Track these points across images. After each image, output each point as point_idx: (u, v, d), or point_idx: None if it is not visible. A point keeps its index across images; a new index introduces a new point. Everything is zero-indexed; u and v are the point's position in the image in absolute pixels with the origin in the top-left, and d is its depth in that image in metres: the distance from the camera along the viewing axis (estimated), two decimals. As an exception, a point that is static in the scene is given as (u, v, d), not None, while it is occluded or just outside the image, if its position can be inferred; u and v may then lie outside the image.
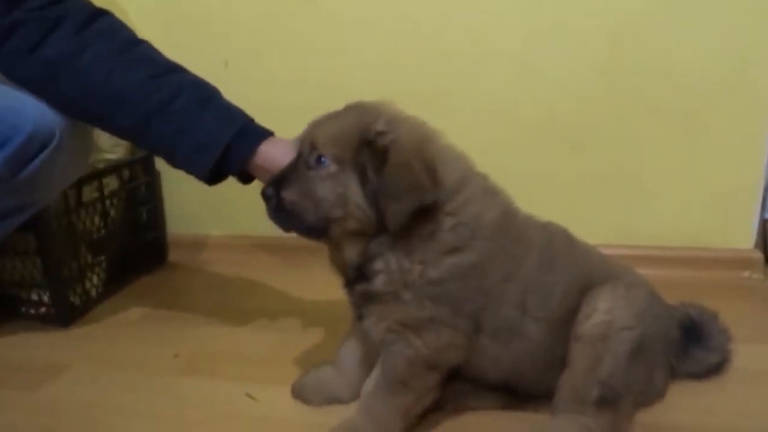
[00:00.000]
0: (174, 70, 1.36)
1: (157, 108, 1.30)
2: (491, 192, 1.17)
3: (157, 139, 1.34)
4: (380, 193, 1.04)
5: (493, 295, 1.13)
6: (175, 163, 1.37)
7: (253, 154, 1.31)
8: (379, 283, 1.11)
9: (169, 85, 1.32)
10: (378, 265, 1.11)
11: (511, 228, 1.15)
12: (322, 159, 1.08)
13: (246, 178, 1.37)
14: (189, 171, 1.35)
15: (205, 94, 1.35)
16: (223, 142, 1.30)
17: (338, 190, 1.07)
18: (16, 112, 1.32)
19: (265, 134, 1.34)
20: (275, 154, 1.28)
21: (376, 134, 1.06)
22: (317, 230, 1.11)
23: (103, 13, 1.37)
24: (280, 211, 1.11)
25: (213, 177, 1.35)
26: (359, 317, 1.19)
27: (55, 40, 1.29)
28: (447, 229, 1.09)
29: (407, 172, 1.04)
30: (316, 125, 1.14)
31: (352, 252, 1.13)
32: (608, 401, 1.13)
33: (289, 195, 1.10)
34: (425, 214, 1.07)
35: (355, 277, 1.15)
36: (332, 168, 1.07)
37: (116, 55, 1.32)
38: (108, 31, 1.35)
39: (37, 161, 1.36)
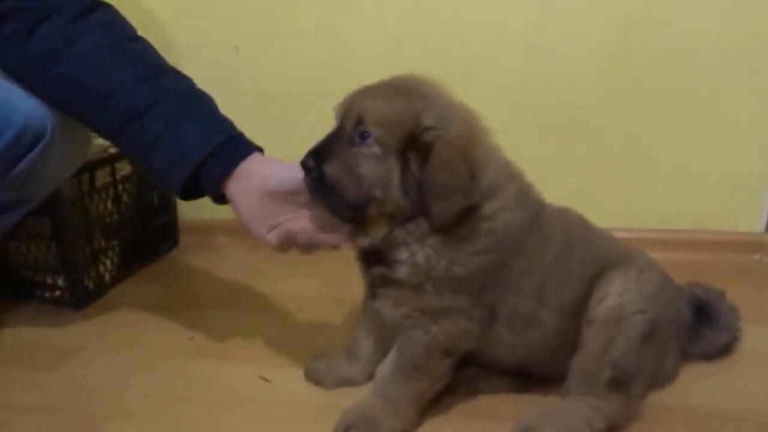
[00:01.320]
0: (164, 74, 1.28)
1: (136, 113, 1.23)
2: (525, 193, 1.15)
3: (133, 148, 1.28)
4: (425, 188, 1.03)
5: (512, 287, 1.13)
6: (149, 175, 1.28)
7: (230, 174, 1.20)
8: (401, 273, 1.10)
9: (154, 89, 1.24)
10: (402, 254, 1.10)
11: (539, 228, 1.14)
12: (368, 137, 1.05)
13: (222, 199, 1.25)
14: (162, 185, 1.28)
15: (189, 104, 1.25)
16: (197, 159, 1.20)
17: (382, 171, 1.04)
18: (8, 106, 1.29)
19: (248, 151, 1.22)
20: (253, 173, 1.19)
21: (424, 129, 1.04)
22: (356, 208, 1.07)
23: (102, 6, 1.32)
24: (319, 186, 1.07)
25: (187, 194, 1.27)
26: (372, 295, 1.19)
27: (47, 29, 1.24)
28: (481, 232, 1.08)
29: (449, 173, 1.02)
30: (361, 98, 1.08)
31: (377, 234, 1.10)
32: (619, 383, 1.13)
33: (330, 169, 1.05)
34: (465, 214, 1.06)
35: (373, 257, 1.14)
36: (376, 149, 1.04)
37: (107, 49, 1.26)
38: (103, 24, 1.29)
39: (31, 155, 1.33)
